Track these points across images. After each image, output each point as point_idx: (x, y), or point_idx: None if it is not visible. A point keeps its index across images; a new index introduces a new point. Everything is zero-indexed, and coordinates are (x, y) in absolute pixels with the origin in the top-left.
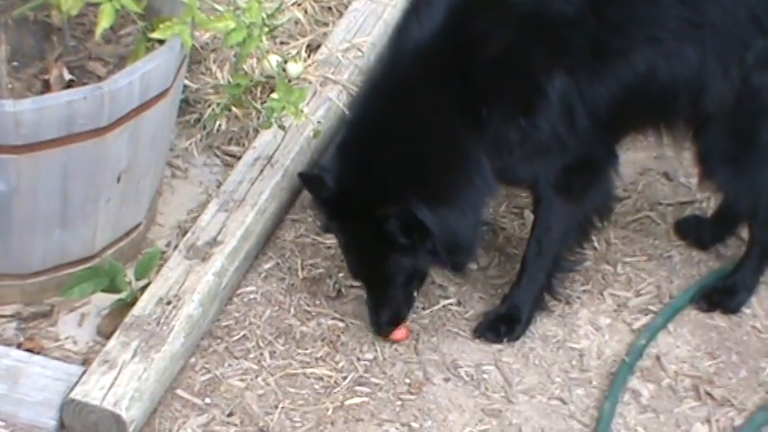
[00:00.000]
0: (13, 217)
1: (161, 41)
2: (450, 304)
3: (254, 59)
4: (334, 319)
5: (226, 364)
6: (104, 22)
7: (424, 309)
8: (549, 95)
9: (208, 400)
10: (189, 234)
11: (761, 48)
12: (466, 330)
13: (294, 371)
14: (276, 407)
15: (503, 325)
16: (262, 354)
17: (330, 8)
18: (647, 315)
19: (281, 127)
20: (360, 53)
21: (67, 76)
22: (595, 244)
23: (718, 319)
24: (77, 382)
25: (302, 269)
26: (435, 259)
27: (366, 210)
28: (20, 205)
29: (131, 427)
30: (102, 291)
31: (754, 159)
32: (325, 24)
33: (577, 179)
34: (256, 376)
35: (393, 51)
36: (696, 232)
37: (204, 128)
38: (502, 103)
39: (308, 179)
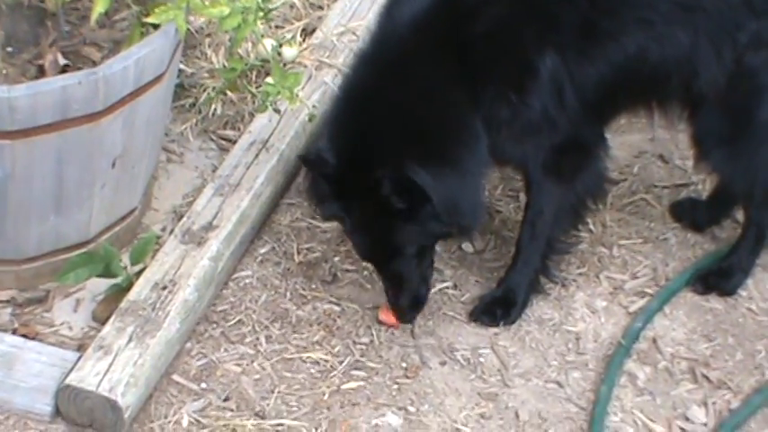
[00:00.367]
0: (8, 202)
1: (156, 26)
2: (446, 288)
3: (249, 43)
4: (330, 303)
5: (222, 349)
6: (99, 6)
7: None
8: (540, 73)
9: (204, 385)
10: (184, 219)
11: (753, 29)
12: (462, 314)
13: (290, 355)
14: (272, 391)
15: (499, 308)
16: (258, 338)
17: None
18: (643, 298)
19: (277, 111)
20: (355, 37)
21: (62, 62)
22: (591, 226)
23: (714, 302)
24: (72, 368)
25: (298, 253)
26: (440, 224)
27: (367, 180)
28: (15, 191)
29: (127, 412)
30: (98, 276)
31: (750, 140)
32: (320, 8)
33: (567, 161)
34: (252, 361)
35: (384, 26)
36: (692, 214)
37: (199, 112)
38: (493, 79)
39: (309, 159)
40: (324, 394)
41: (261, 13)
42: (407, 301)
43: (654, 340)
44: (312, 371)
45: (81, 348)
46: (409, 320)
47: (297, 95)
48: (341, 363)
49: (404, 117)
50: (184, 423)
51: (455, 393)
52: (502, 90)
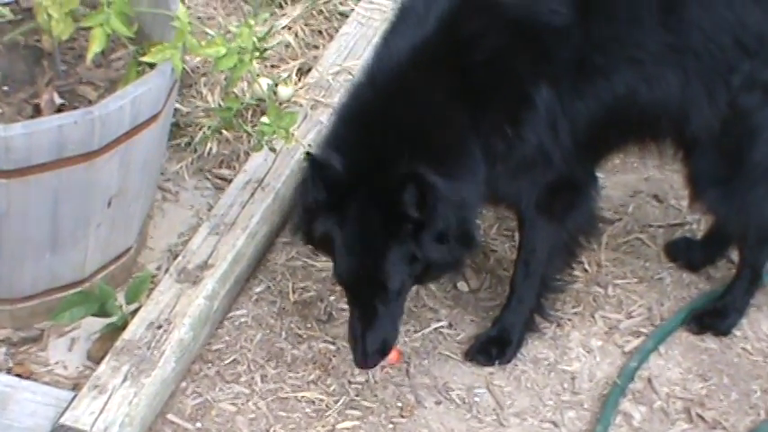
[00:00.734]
0: (3, 241)
1: (152, 65)
2: (442, 327)
3: (245, 83)
4: (325, 342)
5: (217, 389)
6: (96, 46)
7: (415, 331)
8: (536, 104)
9: (199, 425)
10: (180, 258)
11: (747, 70)
12: (457, 353)
13: (285, 394)
14: (268, 431)
15: (494, 348)
16: (253, 377)
17: (321, 32)
18: (638, 337)
19: (272, 150)
20: (350, 76)
21: (58, 101)
22: (586, 266)
23: (710, 342)
24: (67, 408)
25: (293, 292)
26: (437, 249)
27: (374, 191)
28: (10, 229)
29: None
30: (93, 315)
31: (744, 181)
32: (316, 48)
33: (559, 200)
34: (247, 400)
35: (382, 55)
36: (686, 254)
37: (195, 151)
38: (491, 108)
39: (318, 161)
40: None
41: (257, 53)
42: (375, 342)
43: (649, 380)
44: (307, 410)
45: (76, 387)
46: (371, 365)
47: (292, 135)
48: (336, 402)
49: (412, 133)
50: None
51: None
52: (498, 121)
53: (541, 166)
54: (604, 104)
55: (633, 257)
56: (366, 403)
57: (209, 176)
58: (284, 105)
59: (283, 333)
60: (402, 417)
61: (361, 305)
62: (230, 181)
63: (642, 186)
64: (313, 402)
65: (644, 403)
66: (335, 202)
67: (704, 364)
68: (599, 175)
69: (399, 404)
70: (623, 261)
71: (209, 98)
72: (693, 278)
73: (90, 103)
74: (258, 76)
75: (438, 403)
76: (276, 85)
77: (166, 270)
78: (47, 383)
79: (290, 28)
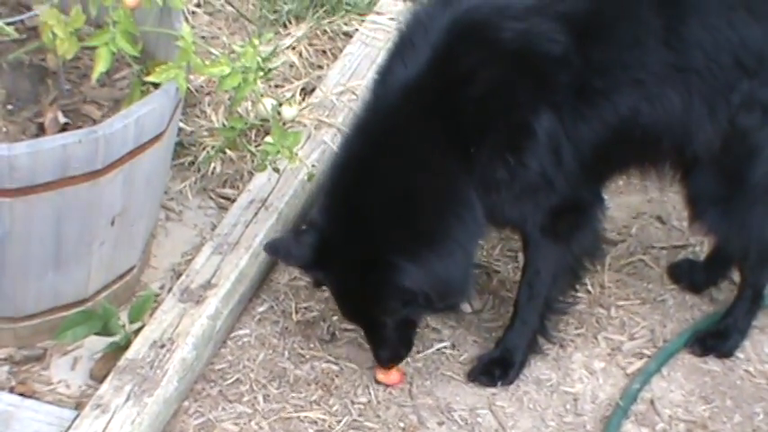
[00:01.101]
0: (6, 260)
1: (156, 85)
2: (444, 348)
3: (249, 102)
4: (328, 362)
5: (219, 408)
6: (100, 65)
7: (418, 352)
8: (536, 133)
9: None
10: (183, 277)
11: (746, 89)
12: (460, 374)
13: (288, 414)
14: None
15: (497, 368)
16: (256, 397)
17: (325, 51)
18: (641, 359)
19: (276, 170)
20: (354, 96)
21: (62, 120)
22: (589, 287)
23: (712, 364)
24: (70, 427)
25: (296, 312)
26: (429, 308)
27: (354, 263)
28: (13, 248)
29: None
30: (96, 334)
31: (744, 201)
32: (320, 68)
33: (564, 221)
34: (250, 420)
35: (378, 94)
36: (689, 276)
37: (199, 170)
38: (489, 141)
39: (273, 248)
40: None
41: (261, 73)
42: (387, 354)
43: (652, 402)
44: (310, 430)
45: (78, 407)
46: (388, 365)
47: (296, 155)
48: (339, 422)
49: (394, 196)
50: None
51: None
52: (498, 152)
53: (545, 191)
54: (609, 126)
55: (636, 279)
56: (369, 424)
57: (213, 196)
58: (288, 125)
59: (286, 353)
60: None
61: (366, 332)
62: (234, 200)
63: (645, 208)
64: (316, 422)
65: (647, 425)
66: (320, 263)
67: (707, 387)
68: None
69: (402, 424)
70: (626, 282)
71: (214, 118)
72: (696, 300)
73: (94, 122)
74: (262, 95)
75: (440, 424)
76: (280, 104)
77: (169, 289)
78: (49, 402)
79: (294, 48)
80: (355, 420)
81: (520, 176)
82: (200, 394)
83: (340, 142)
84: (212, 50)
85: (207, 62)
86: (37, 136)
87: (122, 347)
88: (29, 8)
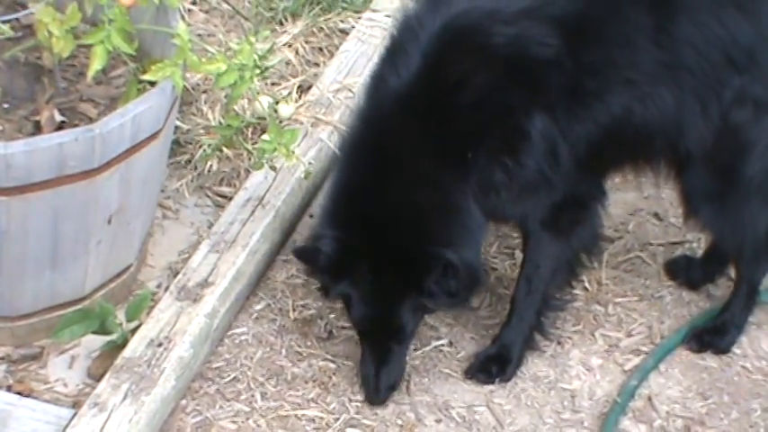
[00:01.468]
0: (3, 258)
1: (152, 83)
2: (442, 345)
3: (246, 100)
4: (325, 360)
5: (217, 406)
6: (96, 63)
7: (416, 350)
8: (531, 136)
9: None
10: (180, 275)
11: (737, 85)
12: (457, 371)
13: (286, 412)
14: None
15: (494, 366)
16: (253, 395)
17: (321, 49)
18: (638, 355)
19: (273, 168)
20: (351, 94)
21: (59, 118)
22: (586, 284)
23: (709, 360)
24: (67, 426)
25: (293, 310)
26: (448, 301)
27: (373, 267)
28: (10, 247)
29: None
30: (93, 333)
31: (738, 196)
32: (316, 65)
33: (565, 216)
34: (248, 418)
35: (371, 102)
36: (686, 272)
37: (195, 169)
38: (485, 145)
39: (304, 253)
40: None
41: (257, 71)
42: (388, 380)
43: (649, 398)
44: (308, 428)
45: (76, 405)
46: (383, 400)
47: (293, 152)
48: (336, 420)
49: (398, 203)
50: None
51: None
52: (494, 156)
53: (545, 188)
54: (602, 126)
55: (633, 276)
56: (366, 421)
57: (210, 194)
58: (285, 123)
59: (283, 351)
60: None
61: (376, 347)
62: (231, 198)
63: (642, 204)
64: (313, 420)
65: (644, 421)
66: (336, 277)
67: (704, 383)
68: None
69: (399, 422)
70: (623, 279)
71: (210, 116)
72: (693, 296)
73: (90, 120)
74: (259, 93)
75: (438, 421)
76: (277, 102)
77: (167, 288)
78: (47, 401)
79: (290, 45)
80: (353, 418)
81: (518, 177)
82: (197, 392)
83: (339, 152)
84: (208, 48)
85: (203, 60)
86: (33, 134)
87: (119, 346)
88: (24, 6)
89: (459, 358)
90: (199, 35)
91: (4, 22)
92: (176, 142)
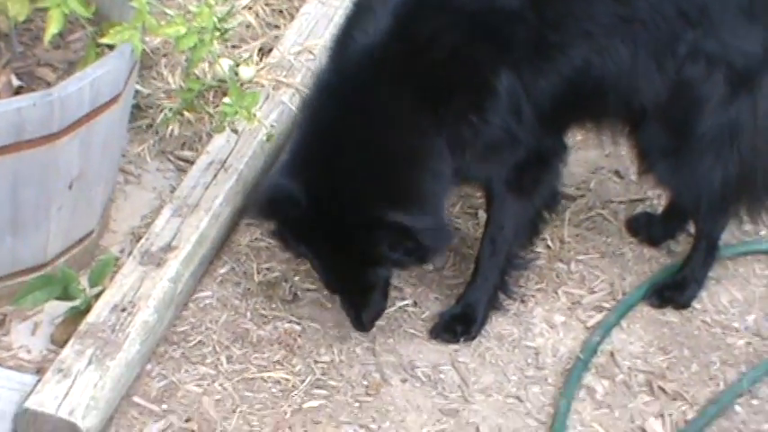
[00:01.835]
0: None
1: (111, 47)
2: (407, 305)
3: (206, 63)
4: (290, 322)
5: (182, 370)
6: (53, 27)
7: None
8: (498, 92)
9: (165, 407)
10: (143, 240)
11: (690, 40)
12: (422, 331)
13: (251, 375)
14: (234, 411)
15: (458, 325)
16: (218, 359)
17: (281, 11)
18: (600, 312)
19: (234, 131)
20: (312, 56)
21: (16, 83)
22: (549, 242)
23: (670, 315)
24: (31, 392)
25: (258, 273)
26: (415, 260)
27: (341, 224)
28: None
29: None
30: (56, 299)
31: (693, 152)
32: (277, 27)
33: (527, 176)
34: (213, 381)
35: (340, 60)
36: (647, 229)
37: (157, 133)
38: (453, 103)
39: (277, 200)
40: (285, 413)
41: (217, 33)
42: (370, 316)
43: (611, 354)
44: (273, 390)
45: (40, 372)
46: (369, 329)
47: (254, 115)
48: (302, 382)
49: (371, 156)
50: None
51: (416, 410)
52: (462, 113)
53: (509, 147)
54: (565, 79)
55: (595, 233)
56: (332, 382)
57: (172, 158)
58: (246, 86)
59: (248, 314)
60: (368, 395)
61: (351, 300)
62: (193, 163)
63: (603, 162)
64: (279, 382)
65: (607, 377)
66: (303, 235)
67: (665, 338)
68: None
69: (365, 382)
70: (585, 237)
71: (170, 79)
72: (654, 252)
73: (49, 84)
74: (219, 56)
75: (404, 381)
76: (237, 65)
77: (130, 253)
78: (10, 368)
79: (250, 8)
80: (318, 379)
81: (484, 135)
82: (162, 357)
83: (302, 108)
84: (168, 11)
85: (162, 23)
86: None
87: (83, 312)
88: None
89: (424, 318)
90: None
91: None
92: (137, 107)
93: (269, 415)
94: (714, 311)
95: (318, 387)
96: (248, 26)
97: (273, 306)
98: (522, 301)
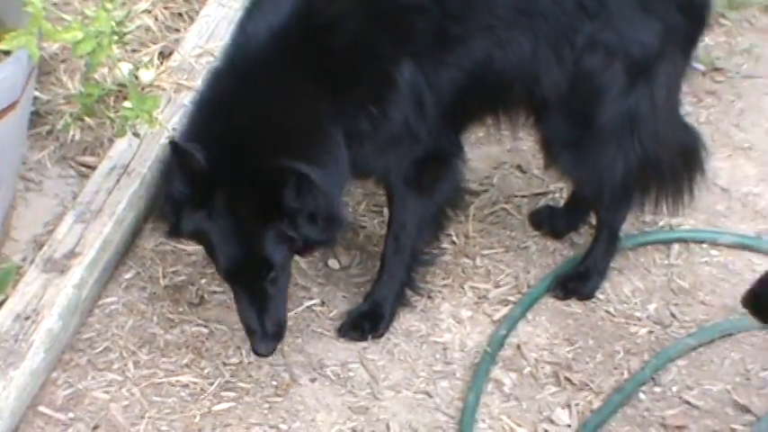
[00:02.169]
0: None
1: (7, 53)
2: (314, 305)
3: (106, 68)
4: (198, 325)
5: (89, 377)
6: None
7: (288, 311)
8: (398, 84)
9: (71, 415)
10: (45, 247)
11: (588, 32)
12: (330, 330)
13: (159, 380)
14: (142, 417)
15: (366, 322)
16: (126, 364)
17: (181, 14)
18: (506, 305)
19: (136, 135)
20: (213, 58)
21: None
22: (454, 238)
23: (574, 306)
24: None
25: (164, 277)
26: (314, 230)
27: (243, 183)
28: None
29: None
30: None
31: (594, 143)
32: (177, 31)
33: (427, 174)
34: (121, 387)
35: (241, 42)
36: (550, 222)
37: (57, 139)
38: (353, 93)
39: (181, 150)
40: (195, 417)
41: (116, 37)
42: (273, 324)
43: (518, 347)
44: (182, 394)
45: None
46: (271, 350)
47: (156, 119)
48: (211, 385)
49: (272, 123)
50: None
51: (326, 409)
52: (362, 103)
53: (408, 142)
54: (466, 72)
55: (499, 228)
56: (241, 384)
57: (73, 164)
58: (146, 89)
59: (155, 318)
60: (278, 395)
61: (249, 292)
62: (95, 168)
63: (506, 158)
64: (187, 386)
65: (514, 370)
66: (202, 196)
67: (570, 329)
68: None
69: (274, 383)
70: (490, 232)
71: (70, 85)
72: (558, 245)
73: None
74: (118, 60)
75: (313, 380)
76: (137, 69)
77: (32, 260)
78: None
79: (149, 11)
80: (228, 381)
81: (384, 128)
82: (68, 364)
83: (202, 87)
84: (64, 16)
85: (59, 28)
86: None
87: None
88: None
89: (332, 317)
90: (54, 3)
91: None
92: (36, 113)
93: (178, 419)
94: (617, 301)
95: (227, 389)
96: (147, 30)
97: (180, 310)
98: (429, 297)
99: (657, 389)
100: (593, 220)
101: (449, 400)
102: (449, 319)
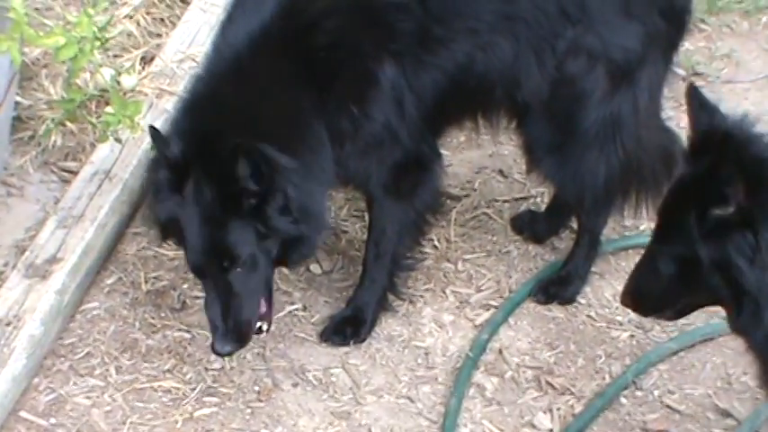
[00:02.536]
0: None
1: None
2: (296, 310)
3: (88, 73)
4: (180, 330)
5: (71, 383)
6: None
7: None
8: (380, 83)
9: (53, 421)
10: (27, 253)
11: (570, 36)
12: (312, 335)
13: (141, 385)
14: (124, 423)
15: (348, 327)
16: (107, 370)
17: (163, 20)
18: (488, 310)
19: (118, 140)
20: (195, 63)
21: None
22: (436, 243)
23: (556, 311)
24: None
25: (146, 282)
26: (286, 222)
27: (208, 168)
28: None
29: None
30: None
31: (577, 147)
32: (159, 36)
33: (406, 179)
34: (103, 393)
35: (220, 45)
36: (532, 227)
37: (39, 145)
38: (336, 91)
39: (160, 135)
40: (177, 423)
41: (98, 43)
42: (233, 324)
43: (500, 351)
44: (164, 399)
45: None
46: (228, 352)
47: (138, 124)
48: (193, 390)
49: (249, 113)
50: None
51: (308, 414)
52: (344, 102)
53: (389, 145)
54: (447, 74)
55: (481, 232)
56: (223, 389)
57: (55, 170)
58: (128, 95)
59: (137, 323)
60: (260, 401)
61: (214, 286)
62: (77, 173)
63: (487, 162)
64: (170, 391)
65: (496, 374)
66: (177, 182)
67: (552, 333)
68: (444, 152)
69: (257, 388)
70: (472, 236)
71: (52, 90)
72: (539, 250)
73: None
74: (100, 66)
75: (295, 385)
76: (119, 74)
77: (14, 266)
78: None
79: (131, 17)
80: (210, 387)
81: (365, 128)
82: (50, 370)
83: (186, 85)
84: (46, 22)
85: (41, 34)
86: None
87: None
88: None
89: (314, 322)
90: (36, 9)
91: None
92: (18, 118)
93: (160, 425)
94: (598, 306)
95: (209, 395)
96: (129, 35)
97: (162, 315)
98: (411, 302)
99: (639, 393)
100: (575, 225)
101: (431, 405)
102: (431, 324)
